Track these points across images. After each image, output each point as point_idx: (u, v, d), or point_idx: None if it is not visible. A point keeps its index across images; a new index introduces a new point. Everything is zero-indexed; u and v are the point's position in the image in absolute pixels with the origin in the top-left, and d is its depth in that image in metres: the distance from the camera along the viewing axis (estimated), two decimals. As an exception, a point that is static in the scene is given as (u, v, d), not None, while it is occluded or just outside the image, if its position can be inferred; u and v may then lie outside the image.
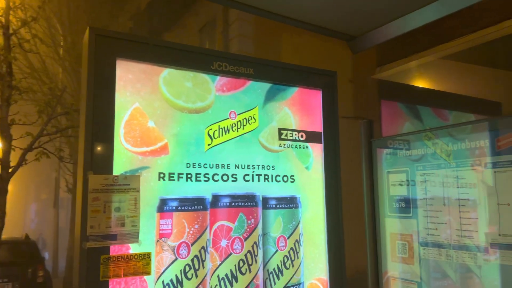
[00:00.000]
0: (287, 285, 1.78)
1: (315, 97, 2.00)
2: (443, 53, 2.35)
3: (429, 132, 1.66)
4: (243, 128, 1.77)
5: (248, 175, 1.75)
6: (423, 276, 1.63)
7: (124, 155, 1.48)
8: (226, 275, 1.64)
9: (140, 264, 1.42)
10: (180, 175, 1.60)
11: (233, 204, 1.69)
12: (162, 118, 1.59)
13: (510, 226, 1.33)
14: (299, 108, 1.94)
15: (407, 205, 1.71)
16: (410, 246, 1.69)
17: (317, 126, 1.99)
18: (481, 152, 1.44)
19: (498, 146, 1.39)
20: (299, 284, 1.82)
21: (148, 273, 1.45)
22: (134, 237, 1.42)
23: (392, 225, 1.78)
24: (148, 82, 1.58)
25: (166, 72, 1.62)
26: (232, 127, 1.74)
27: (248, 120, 1.79)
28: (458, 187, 1.51)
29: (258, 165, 1.78)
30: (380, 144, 1.88)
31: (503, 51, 2.55)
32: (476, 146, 1.46)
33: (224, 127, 1.72)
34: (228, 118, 1.73)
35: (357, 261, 2.01)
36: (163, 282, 1.50)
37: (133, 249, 1.44)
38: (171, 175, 1.58)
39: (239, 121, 1.76)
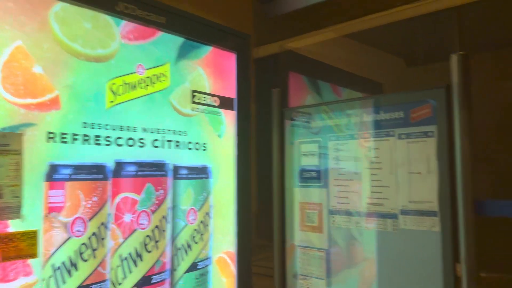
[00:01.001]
0: (195, 261, 1.65)
1: (229, 60, 1.87)
2: (344, 30, 2.44)
3: (341, 103, 1.69)
4: (152, 86, 1.54)
5: (157, 140, 1.54)
6: (331, 244, 1.67)
7: (2, 107, 1.15)
8: (130, 254, 1.43)
9: (23, 245, 1.13)
10: (75, 137, 1.31)
11: (139, 173, 1.47)
12: (53, 64, 1.27)
13: (419, 193, 1.43)
14: (213, 70, 1.78)
15: (317, 175, 1.73)
16: (319, 215, 1.72)
17: (231, 91, 1.87)
18: (395, 124, 1.51)
19: (412, 118, 1.48)
20: (207, 259, 1.71)
21: (34, 255, 1.17)
22: (15, 211, 1.11)
23: (301, 195, 1.79)
24: (35, 16, 1.24)
25: (59, 7, 1.30)
26: (139, 83, 1.50)
27: (159, 77, 1.57)
28: (371, 157, 1.57)
29: (169, 130, 1.59)
30: (292, 114, 1.85)
31: (393, 35, 2.75)
32: (392, 117, 1.53)
33: (130, 83, 1.47)
34: (134, 73, 1.49)
35: (265, 232, 1.98)
36: (53, 265, 1.23)
37: (14, 226, 1.14)
38: (64, 135, 1.29)
39: (148, 77, 1.53)
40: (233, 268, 1.83)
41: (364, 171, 1.59)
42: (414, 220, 1.45)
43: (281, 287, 1.83)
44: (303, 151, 1.80)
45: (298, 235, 1.80)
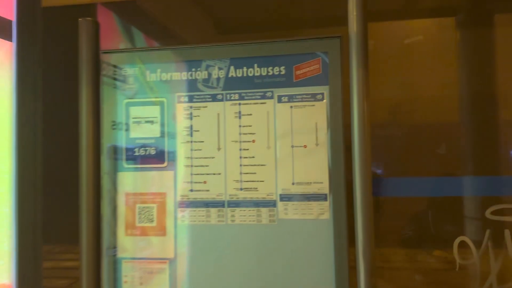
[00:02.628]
0: None
1: (4, -48, 1.09)
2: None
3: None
4: None
5: None
6: (179, 250, 1.19)
7: None
8: None
9: None
10: None
11: None
12: None
13: (305, 172, 1.13)
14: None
15: (159, 152, 1.21)
16: (160, 210, 1.20)
17: (7, 10, 1.09)
18: (274, 82, 1.16)
19: (296, 76, 1.15)
20: (-43, 308, 0.93)
21: None
22: None
23: (130, 182, 1.22)
24: None
25: None
26: None
27: None
28: (240, 126, 1.16)
29: None
30: (118, 60, 1.24)
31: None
32: (269, 74, 1.16)
33: None
34: None
35: (69, 243, 1.30)
36: None
37: None
38: None
39: None
40: (8, 312, 1.09)
41: (230, 145, 1.17)
42: (298, 207, 1.14)
43: (93, 322, 1.22)
44: (134, 116, 1.23)
45: (125, 242, 1.22)
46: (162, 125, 1.21)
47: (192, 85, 1.20)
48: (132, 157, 1.23)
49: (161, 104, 1.22)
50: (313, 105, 1.14)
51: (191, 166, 1.19)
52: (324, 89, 1.14)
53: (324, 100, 1.14)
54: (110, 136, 1.23)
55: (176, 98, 1.21)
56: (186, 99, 1.20)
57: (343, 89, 1.12)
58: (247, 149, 1.17)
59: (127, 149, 1.23)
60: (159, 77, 1.22)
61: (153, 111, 1.22)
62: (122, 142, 1.23)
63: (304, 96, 1.15)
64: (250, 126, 1.17)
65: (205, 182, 1.18)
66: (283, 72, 1.16)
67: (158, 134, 1.21)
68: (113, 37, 1.71)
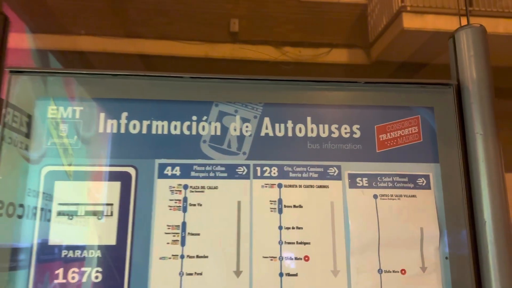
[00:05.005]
0: None
1: None
2: None
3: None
4: None
5: None
6: None
7: None
8: None
9: None
10: None
11: None
12: None
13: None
14: None
15: (108, 278, 0.59)
16: None
17: None
18: (341, 152, 0.66)
19: (381, 143, 0.67)
20: None
21: None
22: None
23: None
24: None
25: None
26: None
27: None
28: (280, 228, 0.62)
29: None
30: (38, 92, 0.66)
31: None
32: (333, 136, 0.67)
33: None
34: None
35: None
36: None
37: None
38: None
39: None
40: None
41: (261, 264, 0.61)
42: None
43: None
44: (62, 201, 0.62)
45: None
46: (123, 221, 0.61)
47: (189, 145, 0.65)
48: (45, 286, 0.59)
49: (123, 178, 0.63)
50: (414, 196, 0.65)
51: (180, 305, 0.59)
52: (430, 168, 0.67)
53: (431, 188, 0.66)
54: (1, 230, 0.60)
55: (155, 168, 0.64)
56: (177, 171, 0.64)
57: (462, 169, 0.66)
58: (295, 275, 0.61)
59: (38, 268, 0.59)
60: (123, 126, 0.65)
61: (105, 193, 0.62)
62: (27, 253, 0.60)
63: (397, 178, 0.66)
64: (300, 228, 0.63)
65: None
66: (357, 135, 0.68)
67: (110, 241, 0.60)
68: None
